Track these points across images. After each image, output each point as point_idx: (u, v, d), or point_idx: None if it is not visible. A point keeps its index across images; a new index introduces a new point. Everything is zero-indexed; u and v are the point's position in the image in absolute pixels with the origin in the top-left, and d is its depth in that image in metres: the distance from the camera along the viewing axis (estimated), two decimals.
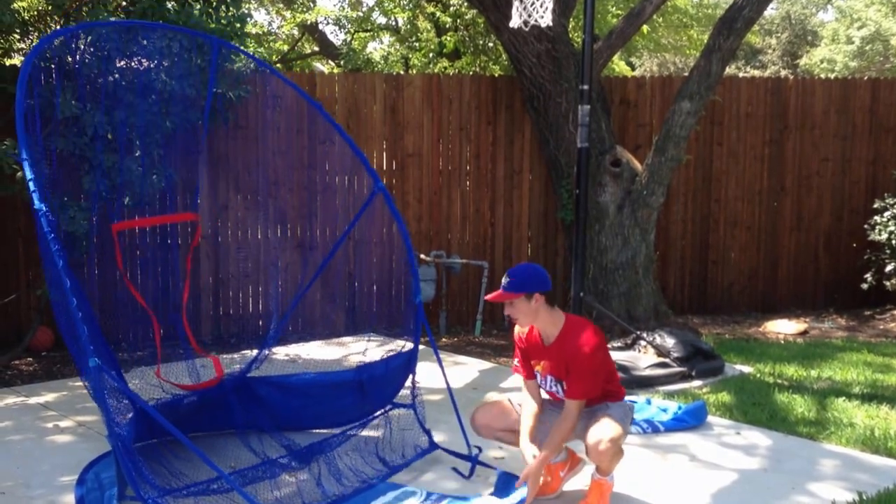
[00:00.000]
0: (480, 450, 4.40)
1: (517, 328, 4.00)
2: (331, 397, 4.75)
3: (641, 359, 6.22)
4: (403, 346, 4.78)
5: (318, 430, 4.78)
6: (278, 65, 7.73)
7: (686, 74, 8.05)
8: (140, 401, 3.49)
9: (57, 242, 3.35)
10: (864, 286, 8.73)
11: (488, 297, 3.90)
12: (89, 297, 4.09)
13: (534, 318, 3.84)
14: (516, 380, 6.08)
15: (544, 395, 4.01)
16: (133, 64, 4.78)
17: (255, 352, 5.47)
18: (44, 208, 3.34)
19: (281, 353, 6.69)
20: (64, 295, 3.29)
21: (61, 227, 5.53)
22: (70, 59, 4.37)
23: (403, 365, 4.65)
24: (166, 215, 5.75)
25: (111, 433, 3.34)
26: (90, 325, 3.48)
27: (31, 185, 3.36)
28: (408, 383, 4.68)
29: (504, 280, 3.81)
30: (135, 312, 6.32)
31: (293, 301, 5.84)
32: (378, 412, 4.80)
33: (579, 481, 4.09)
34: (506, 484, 3.99)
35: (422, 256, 7.84)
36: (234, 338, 7.39)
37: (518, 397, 4.12)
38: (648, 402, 5.33)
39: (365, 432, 4.75)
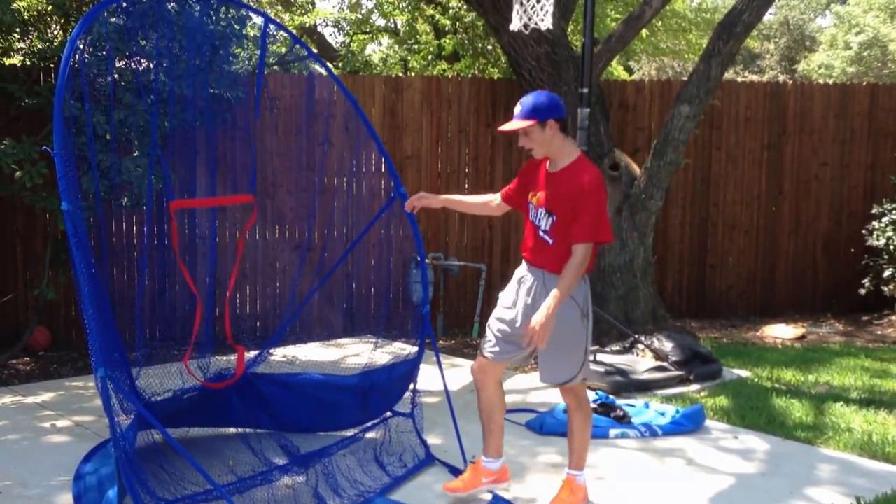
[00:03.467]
0: None
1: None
2: (333, 400, 4.75)
3: (639, 362, 6.23)
4: (406, 353, 4.77)
5: (317, 433, 4.78)
6: (276, 67, 7.72)
7: (685, 78, 8.06)
8: (147, 415, 3.46)
9: (83, 246, 3.29)
10: (862, 291, 8.74)
11: (501, 127, 3.75)
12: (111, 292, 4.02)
13: (548, 148, 3.72)
14: (514, 382, 6.11)
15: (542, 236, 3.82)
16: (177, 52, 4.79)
17: (253, 353, 5.46)
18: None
19: (279, 354, 6.68)
20: (88, 297, 3.23)
21: (124, 176, 5.46)
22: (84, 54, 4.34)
23: (406, 374, 4.65)
24: (224, 196, 5.67)
25: (116, 445, 3.32)
26: (106, 333, 3.45)
27: (61, 184, 3.24)
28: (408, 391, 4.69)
29: (516, 109, 3.71)
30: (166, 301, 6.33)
31: (301, 302, 5.84)
32: (378, 419, 4.80)
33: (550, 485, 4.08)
34: None
35: (417, 258, 7.84)
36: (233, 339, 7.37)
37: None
38: (646, 405, 5.33)
39: (366, 434, 4.75)
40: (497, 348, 3.89)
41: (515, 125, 3.71)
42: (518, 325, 3.82)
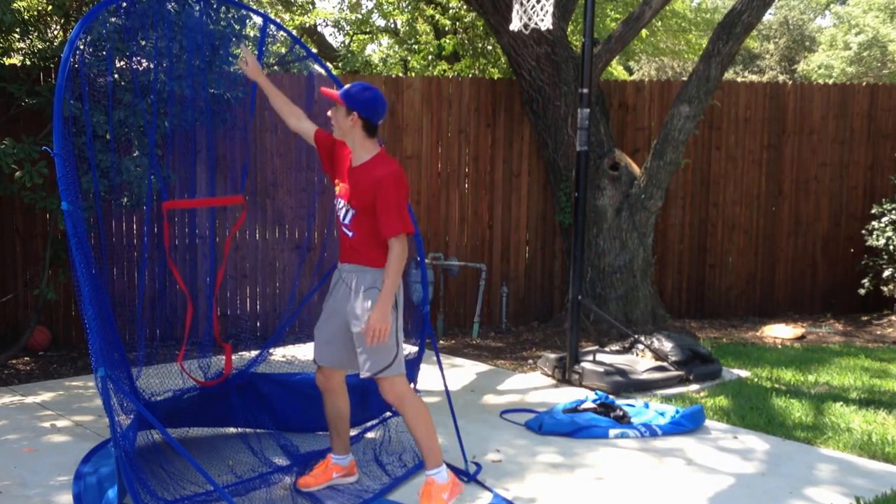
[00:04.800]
0: (479, 466, 4.37)
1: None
2: None
3: (639, 362, 6.23)
4: (406, 353, 4.76)
5: (317, 433, 4.78)
6: (276, 67, 7.72)
7: (684, 79, 8.06)
8: (148, 414, 3.47)
9: (83, 246, 3.31)
10: (862, 291, 8.75)
11: (325, 90, 3.79)
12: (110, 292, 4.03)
13: (345, 135, 3.77)
14: (513, 382, 6.11)
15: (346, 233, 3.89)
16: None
17: (252, 353, 5.47)
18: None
19: (279, 354, 6.69)
20: (88, 297, 3.24)
21: (122, 176, 5.48)
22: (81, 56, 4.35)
23: (406, 375, 4.64)
24: (215, 197, 5.72)
25: (115, 444, 3.32)
26: (106, 333, 3.45)
27: (61, 184, 3.26)
28: None
29: (346, 86, 3.76)
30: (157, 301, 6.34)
31: (301, 302, 5.84)
32: (377, 419, 4.80)
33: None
34: None
35: (417, 258, 7.84)
36: (232, 339, 7.38)
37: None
38: (646, 405, 5.33)
39: (365, 434, 4.75)
40: (327, 355, 3.98)
41: (333, 93, 3.73)
42: (332, 327, 3.92)
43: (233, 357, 4.64)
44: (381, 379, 3.84)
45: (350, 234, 3.83)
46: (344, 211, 3.83)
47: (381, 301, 3.67)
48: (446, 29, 12.32)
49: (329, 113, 3.80)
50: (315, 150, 4.06)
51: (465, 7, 11.50)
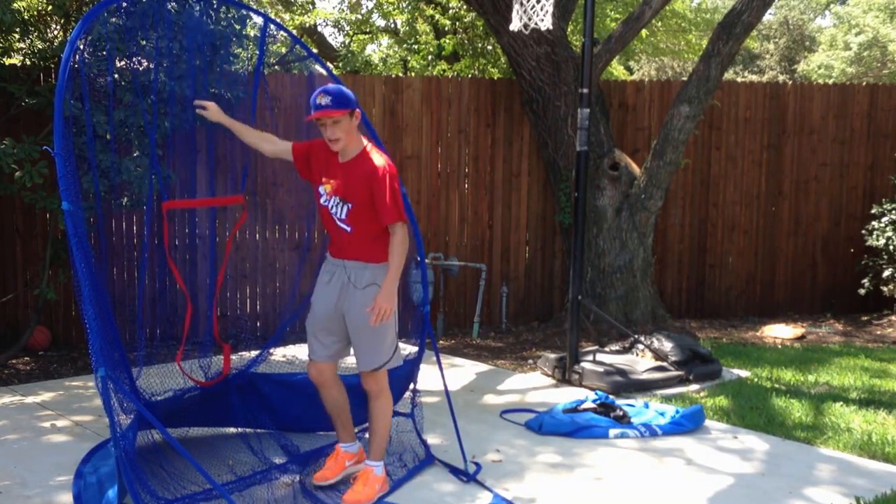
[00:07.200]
0: (479, 466, 4.37)
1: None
2: None
3: (639, 362, 6.23)
4: (406, 353, 4.76)
5: (317, 433, 4.78)
6: (276, 66, 7.72)
7: (684, 79, 8.06)
8: (148, 414, 3.47)
9: (83, 246, 3.32)
10: (862, 291, 8.75)
11: (311, 116, 3.75)
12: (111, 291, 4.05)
13: (351, 138, 3.82)
14: (513, 382, 6.11)
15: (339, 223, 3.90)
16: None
17: (252, 353, 5.46)
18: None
19: (279, 354, 6.69)
20: (88, 297, 3.25)
21: (122, 175, 5.50)
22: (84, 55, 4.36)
23: (406, 374, 4.64)
24: (215, 197, 5.74)
25: (115, 444, 3.33)
26: (106, 333, 3.46)
27: (61, 184, 3.28)
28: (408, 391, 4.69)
29: (324, 100, 3.72)
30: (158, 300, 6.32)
31: (301, 302, 5.83)
32: None
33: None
34: None
35: (417, 258, 7.83)
36: (232, 339, 7.38)
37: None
38: (646, 405, 5.33)
39: (365, 434, 4.75)
40: (320, 349, 4.03)
41: (329, 114, 3.72)
42: (330, 321, 3.96)
43: (233, 357, 4.65)
44: (370, 372, 3.91)
45: (348, 228, 3.87)
46: (339, 206, 3.86)
47: (387, 282, 3.76)
48: (446, 29, 12.32)
49: (330, 134, 3.77)
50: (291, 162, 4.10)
51: (465, 7, 11.50)
